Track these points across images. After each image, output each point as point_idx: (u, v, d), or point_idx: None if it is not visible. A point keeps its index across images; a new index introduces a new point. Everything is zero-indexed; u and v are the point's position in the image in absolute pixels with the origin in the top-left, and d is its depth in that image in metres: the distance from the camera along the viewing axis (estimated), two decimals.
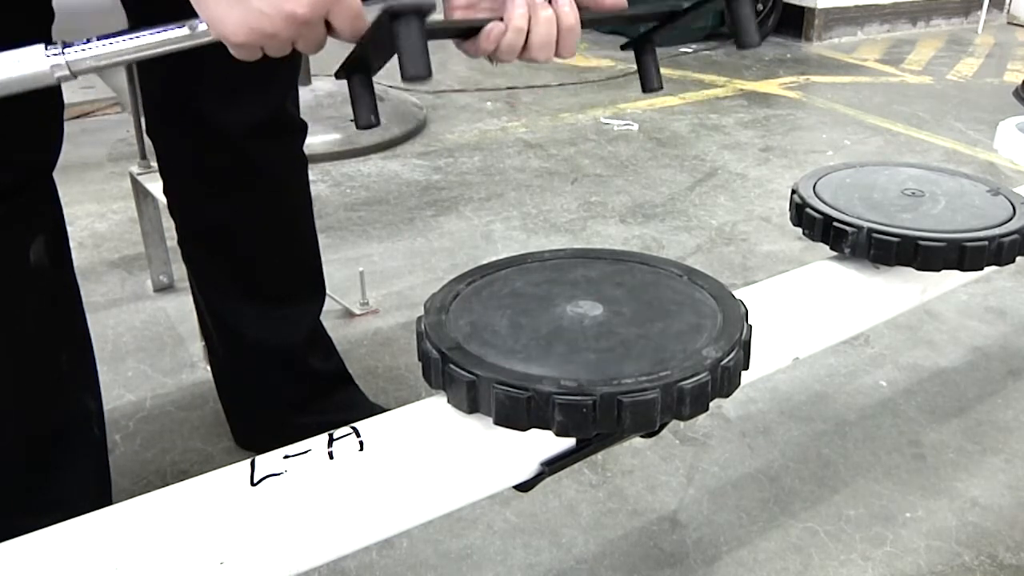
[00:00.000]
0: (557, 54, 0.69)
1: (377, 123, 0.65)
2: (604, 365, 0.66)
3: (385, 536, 0.65)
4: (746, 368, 0.73)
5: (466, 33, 0.67)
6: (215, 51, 0.63)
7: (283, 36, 0.58)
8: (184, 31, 0.61)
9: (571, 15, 0.67)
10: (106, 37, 0.61)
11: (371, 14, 0.60)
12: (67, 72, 0.60)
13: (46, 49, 0.60)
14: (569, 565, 1.15)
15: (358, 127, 0.65)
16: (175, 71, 1.05)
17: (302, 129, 1.19)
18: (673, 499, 1.26)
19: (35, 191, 0.92)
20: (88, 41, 0.61)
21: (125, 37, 0.62)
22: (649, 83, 0.79)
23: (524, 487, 0.70)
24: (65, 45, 0.60)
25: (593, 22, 0.74)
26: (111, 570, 0.54)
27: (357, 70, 0.64)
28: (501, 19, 0.65)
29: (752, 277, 1.92)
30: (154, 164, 1.73)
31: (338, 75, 0.65)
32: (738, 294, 0.81)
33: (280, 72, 1.12)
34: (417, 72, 0.56)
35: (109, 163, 2.58)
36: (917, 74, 3.84)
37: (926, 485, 1.30)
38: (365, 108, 0.64)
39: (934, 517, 1.23)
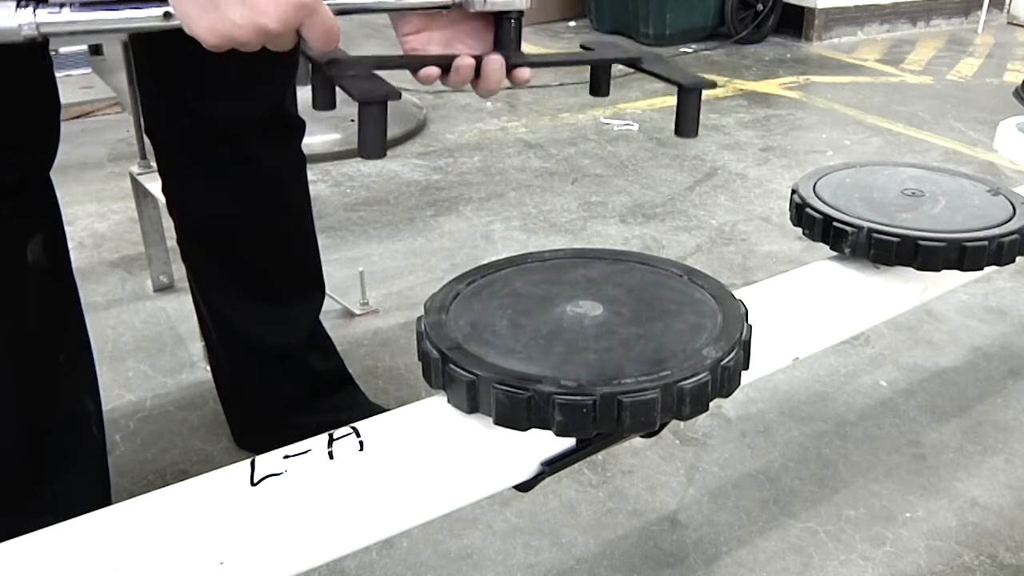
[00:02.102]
0: None
1: (333, 106, 0.69)
2: (604, 365, 0.66)
3: (385, 536, 0.65)
4: (746, 368, 0.73)
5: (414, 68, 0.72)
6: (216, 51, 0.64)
7: (253, 44, 0.60)
8: (159, 13, 0.61)
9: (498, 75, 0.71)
10: (84, 5, 0.61)
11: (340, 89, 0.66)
12: (35, 32, 0.59)
13: (17, 5, 0.59)
14: (569, 565, 1.15)
15: (314, 108, 0.70)
16: (173, 69, 1.05)
17: (300, 127, 1.19)
18: (673, 499, 1.26)
19: (32, 191, 0.92)
20: (63, 6, 0.60)
21: (100, 10, 0.61)
22: (597, 90, 0.83)
23: (524, 487, 0.70)
24: (38, 4, 0.60)
25: (554, 64, 0.80)
26: (111, 570, 0.54)
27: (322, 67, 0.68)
28: (444, 66, 0.70)
29: (752, 277, 1.92)
30: (154, 164, 1.73)
31: (304, 54, 0.69)
32: (738, 294, 0.81)
33: (278, 70, 1.12)
34: (372, 154, 0.63)
35: (109, 163, 2.58)
36: (917, 74, 3.84)
37: (926, 485, 1.30)
38: (323, 95, 0.69)
39: (934, 517, 1.23)
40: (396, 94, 0.63)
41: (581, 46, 0.83)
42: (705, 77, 0.76)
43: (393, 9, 0.71)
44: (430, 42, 0.73)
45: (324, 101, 0.69)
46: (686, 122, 0.76)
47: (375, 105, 0.62)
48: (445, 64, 0.70)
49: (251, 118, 1.10)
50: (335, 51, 0.67)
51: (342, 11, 0.67)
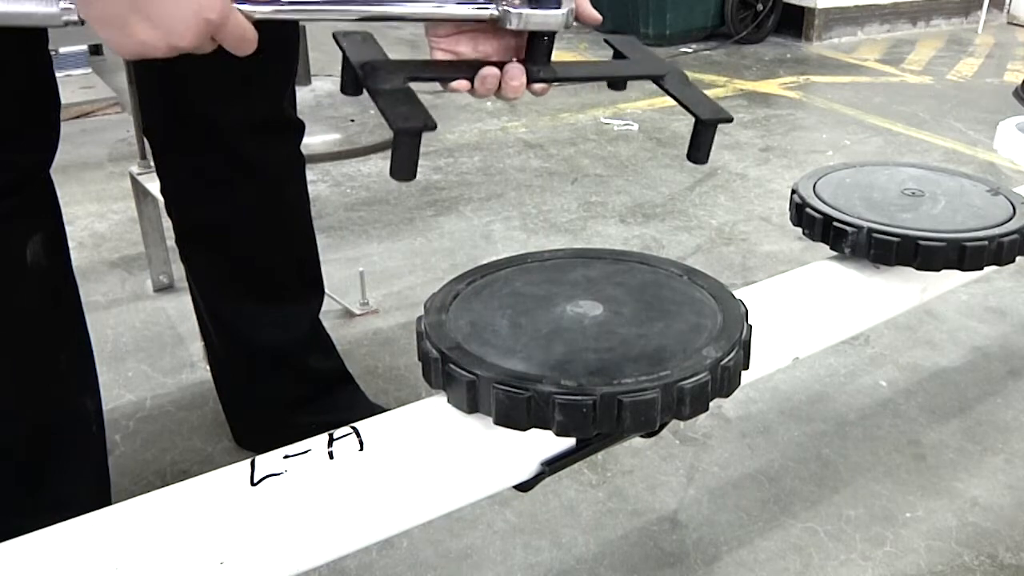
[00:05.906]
0: None
1: (360, 92, 0.70)
2: (604, 365, 0.66)
3: (385, 536, 0.65)
4: (746, 368, 0.73)
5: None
6: (212, 52, 0.64)
7: (171, 57, 0.62)
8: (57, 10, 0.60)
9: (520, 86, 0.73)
10: None
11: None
12: (76, 17, 0.60)
13: None
14: (569, 565, 1.15)
15: (342, 92, 0.71)
16: (172, 68, 1.05)
17: (299, 128, 1.19)
18: (673, 499, 1.26)
19: (32, 190, 0.92)
20: None
21: None
22: (615, 84, 0.84)
23: (524, 487, 0.70)
24: None
25: (577, 80, 0.82)
26: (111, 570, 0.54)
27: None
28: (471, 79, 0.72)
29: (752, 277, 1.92)
30: (154, 164, 1.73)
31: (335, 38, 0.71)
32: (738, 294, 0.81)
33: (277, 72, 1.12)
34: (403, 176, 0.65)
35: (109, 163, 2.58)
36: (917, 74, 3.84)
37: (926, 485, 1.30)
38: (350, 80, 0.70)
39: (934, 517, 1.23)
40: (432, 125, 0.65)
41: (605, 40, 0.85)
42: (724, 110, 0.78)
43: (431, 20, 0.72)
44: (459, 44, 0.74)
45: (351, 86, 0.70)
46: (699, 150, 0.79)
47: (412, 134, 0.64)
48: (472, 73, 0.71)
49: (249, 119, 1.10)
50: (375, 56, 0.68)
51: (376, 18, 0.68)
